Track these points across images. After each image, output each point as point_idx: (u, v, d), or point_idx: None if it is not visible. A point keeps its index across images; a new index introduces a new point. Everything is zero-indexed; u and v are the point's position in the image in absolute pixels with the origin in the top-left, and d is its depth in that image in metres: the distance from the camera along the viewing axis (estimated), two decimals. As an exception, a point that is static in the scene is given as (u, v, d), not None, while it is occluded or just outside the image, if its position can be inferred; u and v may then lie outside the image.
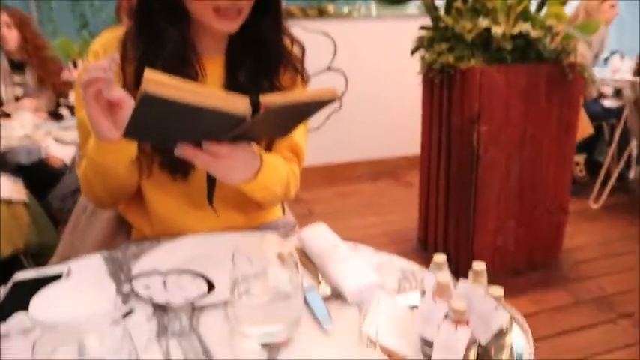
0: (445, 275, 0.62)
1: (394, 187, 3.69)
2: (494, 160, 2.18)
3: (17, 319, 0.74)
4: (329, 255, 0.86)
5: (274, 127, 0.90)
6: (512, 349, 0.63)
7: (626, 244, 2.66)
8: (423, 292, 0.67)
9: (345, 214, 3.11)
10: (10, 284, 0.80)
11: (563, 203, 2.38)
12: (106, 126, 0.81)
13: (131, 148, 0.92)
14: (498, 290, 0.60)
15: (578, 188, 3.11)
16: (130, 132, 0.74)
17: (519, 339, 0.64)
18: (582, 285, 2.27)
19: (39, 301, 0.62)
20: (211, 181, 1.01)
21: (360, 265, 0.83)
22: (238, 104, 0.71)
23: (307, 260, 0.92)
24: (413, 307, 0.70)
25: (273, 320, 0.70)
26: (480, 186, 2.17)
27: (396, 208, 3.21)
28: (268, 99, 0.72)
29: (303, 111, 0.84)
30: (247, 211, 1.18)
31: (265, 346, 0.69)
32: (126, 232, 1.23)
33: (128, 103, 0.80)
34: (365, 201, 3.39)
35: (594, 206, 3.13)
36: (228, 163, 0.84)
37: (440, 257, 0.68)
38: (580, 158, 3.44)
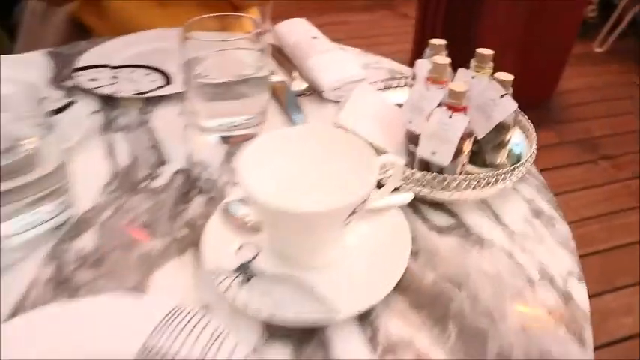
0: (443, 58, 0.50)
1: (389, 18, 3.40)
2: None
3: None
4: (307, 47, 0.72)
5: None
6: (510, 152, 0.54)
7: (622, 90, 2.55)
8: (414, 77, 0.55)
9: (337, 43, 2.87)
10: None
11: (568, 41, 2.20)
12: None
13: None
14: (507, 75, 0.48)
15: (585, 29, 2.88)
16: None
17: (521, 144, 0.55)
18: (570, 127, 2.22)
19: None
20: None
21: (341, 58, 0.70)
22: None
23: (282, 57, 0.78)
24: (399, 105, 0.59)
25: (233, 110, 0.59)
26: (484, 13, 1.96)
27: (390, 40, 2.99)
28: None
29: None
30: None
31: (224, 140, 0.59)
32: (84, 37, 1.07)
33: None
34: (357, 32, 3.14)
35: (598, 50, 2.95)
36: None
37: (438, 40, 0.55)
38: (595, -4, 3.13)
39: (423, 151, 0.47)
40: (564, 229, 0.47)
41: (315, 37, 0.74)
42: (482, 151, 0.51)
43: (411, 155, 0.54)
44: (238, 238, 0.43)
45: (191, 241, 0.45)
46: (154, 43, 0.83)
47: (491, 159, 0.52)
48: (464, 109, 0.46)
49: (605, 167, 1.99)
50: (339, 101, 0.65)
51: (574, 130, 2.20)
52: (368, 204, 0.39)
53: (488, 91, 0.48)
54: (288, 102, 0.65)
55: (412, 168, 0.51)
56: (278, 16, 0.95)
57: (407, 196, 0.45)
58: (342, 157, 0.40)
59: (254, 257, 0.42)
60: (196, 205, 0.50)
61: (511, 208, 0.49)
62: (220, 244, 0.43)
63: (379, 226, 0.44)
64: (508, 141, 0.51)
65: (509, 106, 0.47)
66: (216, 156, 0.57)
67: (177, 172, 0.54)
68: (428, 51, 0.56)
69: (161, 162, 0.56)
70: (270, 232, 0.40)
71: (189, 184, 0.53)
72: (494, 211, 0.49)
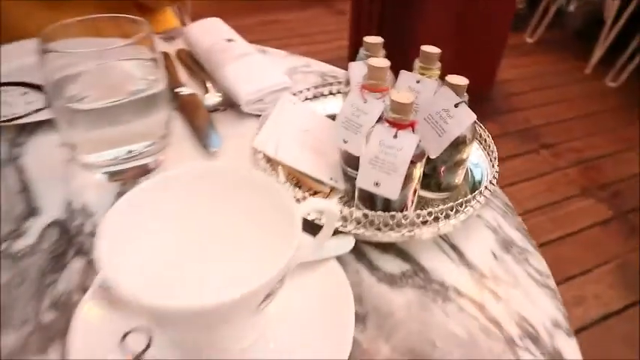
0: (380, 59, 0.40)
1: (325, 15, 3.32)
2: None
3: None
4: (221, 52, 0.61)
5: None
6: (468, 171, 0.45)
7: (556, 78, 2.61)
8: (347, 84, 0.45)
9: (268, 44, 2.73)
10: None
11: (503, 33, 2.20)
12: None
13: None
14: (460, 79, 0.39)
15: (515, 21, 2.93)
16: None
17: (480, 161, 0.46)
18: (510, 117, 2.23)
19: None
20: None
21: (261, 64, 0.59)
22: None
23: (194, 64, 0.66)
24: (332, 117, 0.49)
25: (123, 138, 0.46)
26: (420, 4, 1.91)
27: (326, 38, 2.91)
28: None
29: None
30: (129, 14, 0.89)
31: (114, 177, 0.46)
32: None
33: None
34: (291, 31, 3.04)
35: (529, 40, 3.01)
36: None
37: (373, 38, 0.45)
38: (522, -12, 3.20)
39: (363, 182, 0.37)
40: (540, 264, 0.39)
41: (230, 40, 0.62)
42: (437, 172, 0.42)
43: (351, 180, 0.44)
44: (123, 322, 0.31)
45: (61, 330, 0.33)
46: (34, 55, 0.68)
47: (447, 180, 0.43)
48: (411, 125, 0.36)
49: (546, 156, 2.01)
50: (260, 115, 0.54)
51: (515, 120, 2.21)
52: (291, 270, 0.29)
53: (440, 100, 0.39)
54: (199, 120, 0.53)
55: (353, 197, 0.41)
56: (202, 18, 0.82)
57: (346, 244, 0.35)
58: (253, 209, 0.29)
59: (145, 350, 0.30)
60: (73, 272, 0.37)
61: (475, 240, 0.40)
62: (97, 332, 0.30)
63: (312, 284, 0.33)
64: (466, 158, 0.42)
65: (467, 117, 0.38)
66: (104, 200, 0.44)
67: (49, 226, 0.41)
68: (362, 51, 0.46)
69: (30, 212, 0.43)
70: (158, 329, 0.28)
71: (66, 241, 0.40)
72: (455, 247, 0.40)
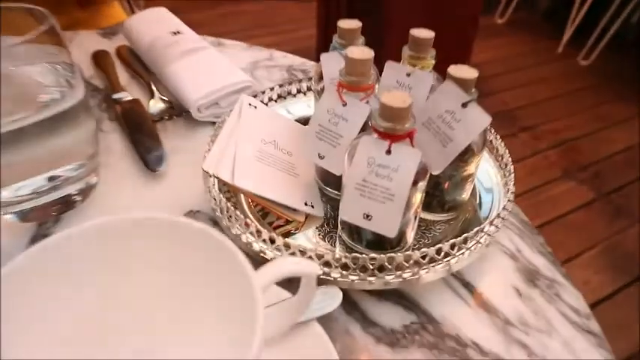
0: (361, 49, 0.31)
1: (288, 3, 3.19)
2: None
3: None
4: (166, 46, 0.50)
5: None
6: (475, 188, 0.37)
7: (529, 59, 2.57)
8: (321, 78, 0.36)
9: (231, 37, 2.59)
10: None
11: (475, 12, 2.13)
12: None
13: None
14: (468, 70, 0.30)
15: (485, 2, 2.87)
16: None
17: (491, 172, 0.38)
18: (487, 100, 2.17)
19: None
20: None
21: (215, 60, 0.49)
22: None
23: (136, 62, 0.56)
24: (304, 121, 0.39)
25: (35, 165, 0.35)
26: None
27: (294, 26, 2.80)
28: None
29: None
30: (67, 8, 0.77)
31: (26, 217, 0.36)
32: None
33: None
34: (256, 21, 2.91)
35: (500, 21, 2.96)
36: None
37: (349, 21, 0.36)
38: (489, -33, 3.14)
39: (349, 214, 0.28)
40: (576, 299, 0.31)
41: (177, 33, 0.52)
42: (441, 189, 0.33)
43: (331, 201, 0.35)
44: None
45: None
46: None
47: (453, 198, 0.34)
48: (409, 136, 0.27)
49: (526, 139, 1.96)
50: (215, 122, 0.44)
51: (492, 103, 2.16)
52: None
53: (442, 99, 0.30)
54: (142, 132, 0.43)
55: (335, 224, 0.32)
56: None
57: (330, 300, 0.26)
58: (200, 280, 0.20)
59: None
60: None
61: (492, 273, 0.32)
62: None
63: (289, 354, 0.24)
64: (476, 171, 0.34)
65: (479, 119, 0.29)
66: (15, 248, 0.34)
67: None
68: (336, 39, 0.37)
69: None
70: None
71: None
72: (469, 284, 0.31)
